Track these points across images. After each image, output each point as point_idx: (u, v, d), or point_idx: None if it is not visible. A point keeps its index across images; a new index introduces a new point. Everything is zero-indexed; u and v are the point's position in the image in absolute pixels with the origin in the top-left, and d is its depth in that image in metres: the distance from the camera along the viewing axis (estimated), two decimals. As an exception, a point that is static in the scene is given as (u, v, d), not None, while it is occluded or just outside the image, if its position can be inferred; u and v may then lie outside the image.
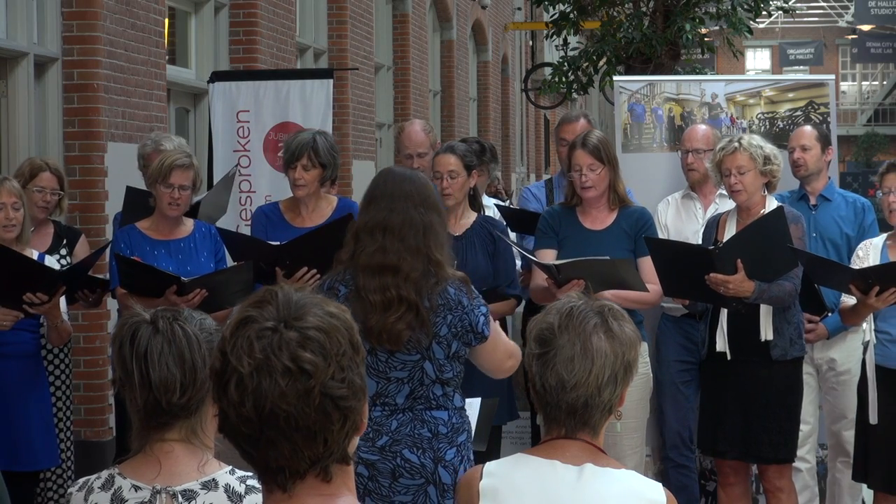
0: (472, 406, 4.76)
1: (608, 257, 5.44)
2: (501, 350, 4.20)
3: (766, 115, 7.33)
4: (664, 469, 6.74)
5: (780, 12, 16.65)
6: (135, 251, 5.75)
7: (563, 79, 14.91)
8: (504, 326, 6.39)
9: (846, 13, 49.43)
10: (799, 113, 7.28)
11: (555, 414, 2.72)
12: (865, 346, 5.69)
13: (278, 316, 1.88)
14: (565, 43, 15.12)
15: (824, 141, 6.48)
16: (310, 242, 5.46)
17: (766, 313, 5.55)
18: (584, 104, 31.00)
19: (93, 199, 7.92)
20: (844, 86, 52.05)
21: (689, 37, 13.84)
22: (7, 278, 5.36)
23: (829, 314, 6.13)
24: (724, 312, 5.60)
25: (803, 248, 5.64)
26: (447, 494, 4.01)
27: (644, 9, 14.39)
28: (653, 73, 12.74)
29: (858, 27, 43.49)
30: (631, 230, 5.70)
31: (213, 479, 2.69)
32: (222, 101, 8.19)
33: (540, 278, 5.72)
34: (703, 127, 6.73)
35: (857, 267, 5.60)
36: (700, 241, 5.94)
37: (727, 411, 5.63)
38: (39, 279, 5.41)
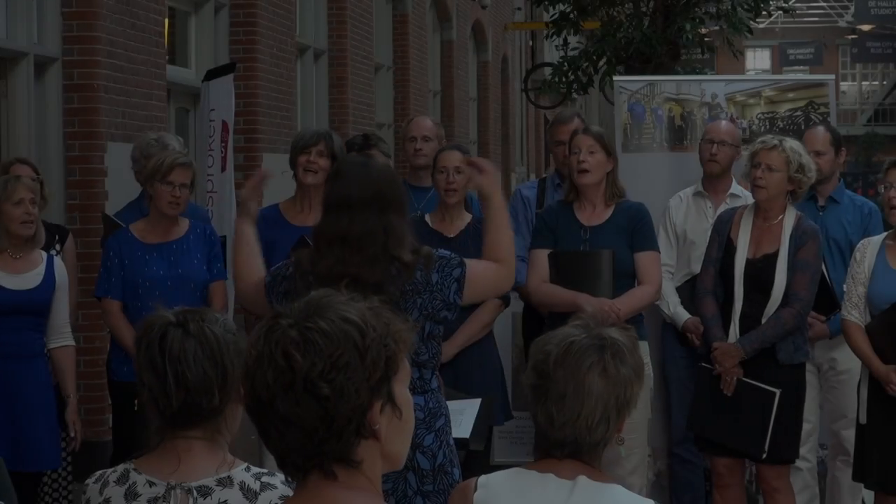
0: (473, 406, 4.76)
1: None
2: (484, 286, 4.20)
3: (766, 115, 7.34)
4: (670, 466, 6.75)
5: (780, 12, 16.64)
6: (125, 257, 5.77)
7: (563, 79, 14.92)
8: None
9: (846, 13, 49.41)
10: (799, 113, 7.28)
11: (544, 445, 2.73)
12: None
13: (297, 315, 1.97)
14: (565, 43, 15.13)
15: (837, 144, 6.45)
16: None
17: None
18: (584, 104, 31.00)
19: (93, 199, 7.92)
20: (844, 86, 52.01)
21: (689, 37, 13.85)
22: None
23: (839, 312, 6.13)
24: (735, 312, 5.61)
25: (819, 265, 5.66)
26: (426, 480, 4.02)
27: (644, 9, 14.39)
28: (653, 73, 12.74)
29: (858, 27, 43.48)
30: (628, 224, 5.74)
31: (229, 476, 2.70)
32: (205, 100, 8.26)
33: (537, 278, 5.76)
34: (726, 122, 6.78)
35: (855, 268, 5.61)
36: (708, 241, 5.93)
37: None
38: None
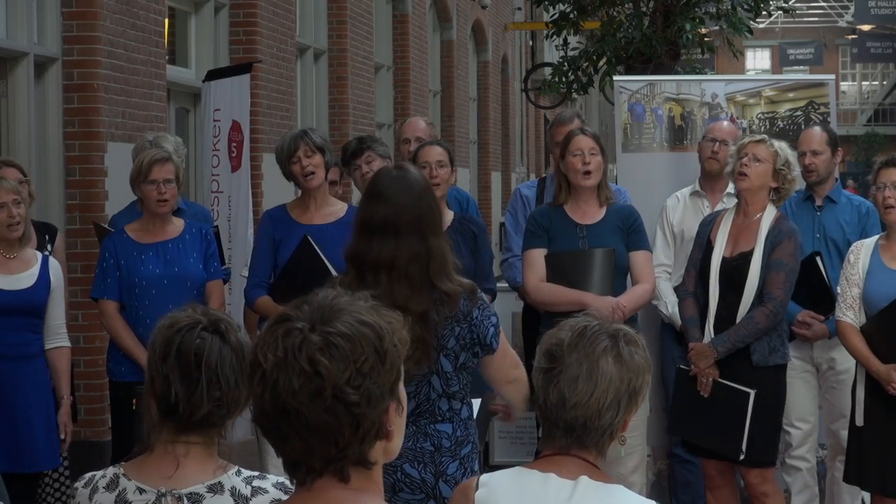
0: (473, 407, 4.75)
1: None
2: (508, 362, 4.09)
3: (766, 115, 7.34)
4: (670, 466, 6.74)
5: (780, 12, 16.62)
6: (121, 258, 5.79)
7: (563, 79, 14.89)
8: None
9: (846, 13, 49.41)
10: (799, 113, 7.28)
11: (553, 431, 2.72)
12: None
13: (311, 318, 1.94)
14: (565, 43, 15.10)
15: (834, 144, 6.47)
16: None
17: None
18: (584, 104, 31.01)
19: (93, 199, 7.92)
20: (844, 86, 52.02)
21: (689, 37, 13.82)
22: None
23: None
24: (710, 312, 5.66)
25: (795, 264, 5.68)
26: None
27: (644, 9, 14.36)
28: (653, 73, 12.73)
29: (858, 27, 43.47)
30: (623, 224, 5.81)
31: (219, 483, 2.67)
32: (206, 100, 8.26)
33: (534, 278, 5.77)
34: (727, 122, 6.86)
35: (848, 270, 5.62)
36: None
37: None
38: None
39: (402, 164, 4.16)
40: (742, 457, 5.56)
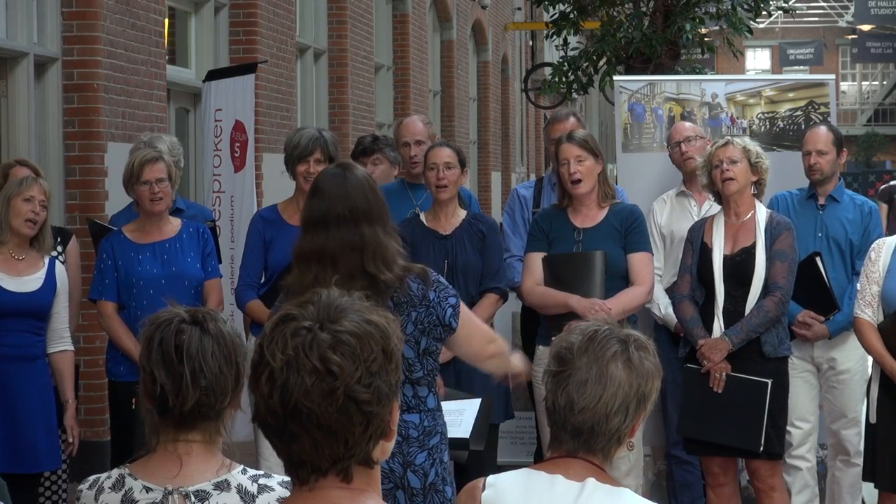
0: (472, 406, 4.75)
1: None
2: (478, 338, 4.05)
3: (766, 114, 7.34)
4: (668, 466, 6.74)
5: (780, 12, 16.62)
6: (118, 258, 5.80)
7: (563, 79, 14.89)
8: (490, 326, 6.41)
9: (846, 13, 49.40)
10: (799, 113, 7.28)
11: (560, 434, 2.72)
12: None
13: (317, 317, 1.94)
14: (565, 43, 15.10)
15: (839, 144, 6.47)
16: None
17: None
18: (584, 104, 31.01)
19: (93, 199, 7.93)
20: (844, 86, 52.02)
21: (689, 37, 13.82)
22: None
23: (839, 312, 6.14)
24: (718, 307, 5.68)
25: (795, 254, 5.76)
26: (416, 499, 3.93)
27: (644, 9, 14.37)
28: (653, 73, 12.73)
29: (858, 27, 43.46)
30: (621, 226, 5.79)
31: (226, 480, 2.68)
32: (207, 100, 8.27)
33: (531, 280, 5.78)
34: (686, 122, 6.91)
35: (869, 267, 5.63)
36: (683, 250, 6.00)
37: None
38: None
39: (346, 163, 4.18)
40: (761, 449, 5.59)
